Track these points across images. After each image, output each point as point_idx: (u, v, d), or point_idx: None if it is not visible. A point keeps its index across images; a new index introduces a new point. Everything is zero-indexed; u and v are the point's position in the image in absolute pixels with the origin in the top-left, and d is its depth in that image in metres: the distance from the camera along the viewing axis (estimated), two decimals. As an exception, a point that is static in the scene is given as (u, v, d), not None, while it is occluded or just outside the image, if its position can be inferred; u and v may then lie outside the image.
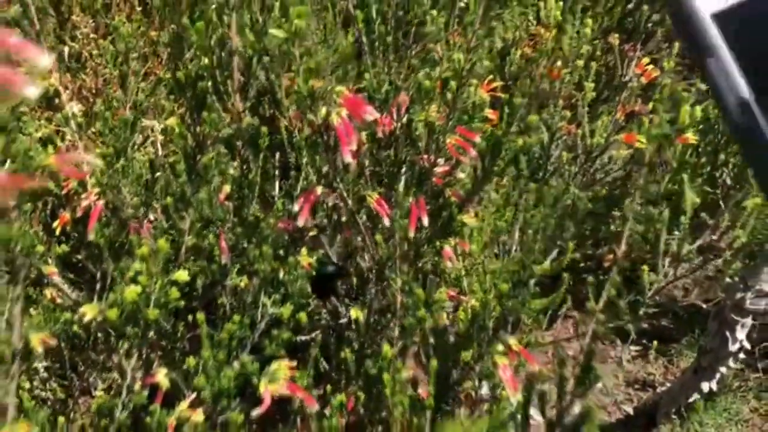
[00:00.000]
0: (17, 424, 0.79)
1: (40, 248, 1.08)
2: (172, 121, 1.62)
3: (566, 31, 1.33)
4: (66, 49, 1.58)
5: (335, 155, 1.10)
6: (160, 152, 1.70)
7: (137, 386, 1.07)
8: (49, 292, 1.21)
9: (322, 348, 1.27)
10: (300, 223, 1.12)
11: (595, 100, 1.64)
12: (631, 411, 2.00)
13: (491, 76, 1.46)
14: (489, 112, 1.43)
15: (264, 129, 1.08)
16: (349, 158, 1.05)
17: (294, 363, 0.97)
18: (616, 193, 1.81)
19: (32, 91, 0.46)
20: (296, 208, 1.12)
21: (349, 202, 1.15)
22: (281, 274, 1.14)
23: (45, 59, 0.46)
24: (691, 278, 2.25)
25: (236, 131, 1.17)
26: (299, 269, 1.13)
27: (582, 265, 2.12)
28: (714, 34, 0.25)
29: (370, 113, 1.08)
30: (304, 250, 1.19)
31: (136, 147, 1.50)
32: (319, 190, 1.14)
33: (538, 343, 1.43)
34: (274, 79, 1.20)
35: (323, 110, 1.05)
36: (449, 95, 1.18)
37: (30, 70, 0.46)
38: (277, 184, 1.32)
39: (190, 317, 1.20)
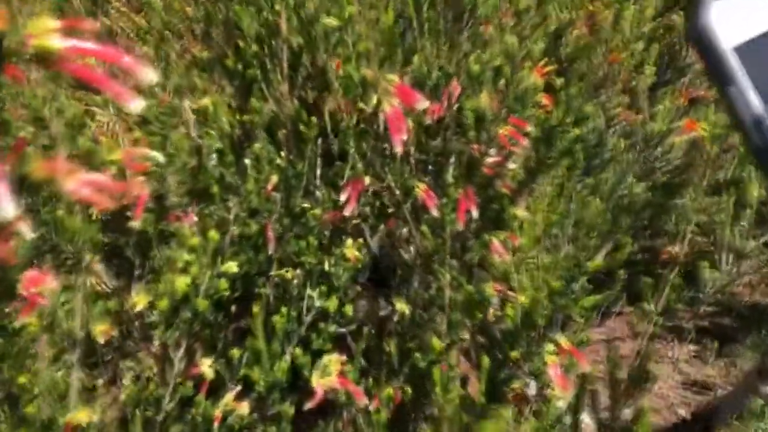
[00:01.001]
0: (79, 411, 0.91)
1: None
2: (206, 101, 1.73)
3: (624, 15, 1.40)
4: (98, 25, 1.68)
5: (383, 144, 1.20)
6: (192, 132, 1.81)
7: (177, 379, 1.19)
8: (89, 280, 1.33)
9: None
10: (347, 212, 1.22)
11: (656, 83, 1.71)
12: (687, 415, 2.08)
13: (545, 59, 1.54)
14: (542, 97, 1.51)
15: (313, 119, 1.18)
16: (399, 147, 1.14)
17: (344, 357, 1.07)
18: (676, 182, 1.88)
19: (137, 104, 0.56)
20: (343, 197, 1.23)
21: (397, 192, 1.24)
22: (326, 266, 1.25)
23: (152, 75, 0.56)
24: (757, 275, 2.31)
25: (283, 118, 1.28)
26: (345, 261, 1.24)
27: (638, 257, 2.19)
28: (734, 64, 0.34)
29: (422, 102, 1.18)
30: (349, 242, 1.29)
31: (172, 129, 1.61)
32: (367, 179, 1.24)
33: (590, 341, 1.52)
34: (325, 60, 1.30)
35: (374, 99, 1.14)
36: (502, 82, 1.26)
37: (137, 85, 0.57)
38: (318, 171, 1.42)
39: (233, 308, 1.32)
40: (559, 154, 1.39)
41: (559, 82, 1.46)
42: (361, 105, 1.14)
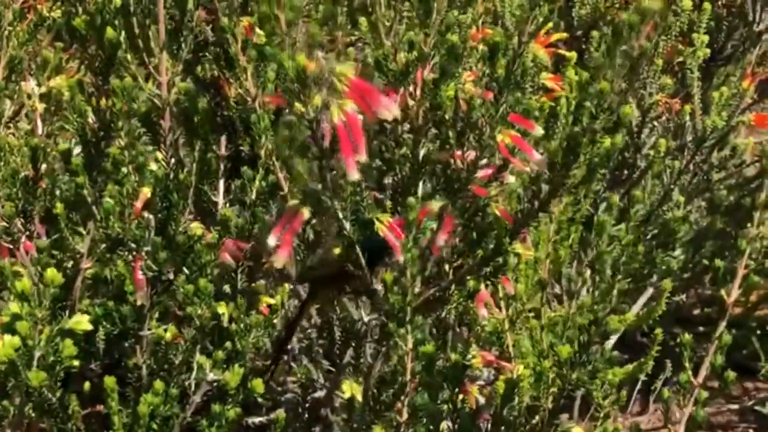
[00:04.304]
0: None
1: None
2: (59, 81, 1.71)
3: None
4: None
5: (330, 162, 1.18)
6: (40, 129, 1.79)
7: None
8: None
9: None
10: (279, 262, 1.19)
11: (712, 59, 1.71)
12: None
13: (550, 25, 1.54)
14: (548, 78, 1.51)
15: (203, 104, 1.16)
16: (353, 174, 1.13)
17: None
18: (745, 203, 1.87)
19: None
20: (271, 241, 1.20)
21: (347, 227, 1.22)
22: (225, 321, 1.22)
23: None
24: None
25: (163, 103, 1.25)
26: (255, 314, 1.21)
27: (697, 312, 2.18)
28: None
29: (388, 107, 1.16)
30: (262, 285, 1.27)
31: (4, 123, 1.58)
32: (306, 213, 1.22)
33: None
34: (225, 24, 1.28)
35: (317, 99, 1.13)
36: (500, 65, 1.24)
37: None
38: (222, 183, 1.40)
39: (87, 385, 1.28)
40: (584, 172, 1.37)
41: (570, 56, 1.46)
42: (298, 107, 1.13)
